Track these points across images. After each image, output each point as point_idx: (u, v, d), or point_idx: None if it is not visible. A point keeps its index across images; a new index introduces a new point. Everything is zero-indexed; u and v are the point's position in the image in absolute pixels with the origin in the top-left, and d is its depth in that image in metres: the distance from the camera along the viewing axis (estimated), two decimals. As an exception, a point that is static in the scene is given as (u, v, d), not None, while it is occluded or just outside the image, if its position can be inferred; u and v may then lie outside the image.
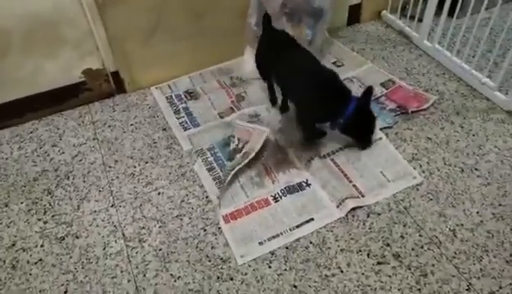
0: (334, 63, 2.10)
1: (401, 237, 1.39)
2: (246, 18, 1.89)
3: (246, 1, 1.86)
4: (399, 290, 1.26)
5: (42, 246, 1.44)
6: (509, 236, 1.37)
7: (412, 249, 1.36)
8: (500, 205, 1.45)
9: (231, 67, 2.11)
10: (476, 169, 1.57)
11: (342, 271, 1.31)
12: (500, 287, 1.25)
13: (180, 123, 1.84)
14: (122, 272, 1.35)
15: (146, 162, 1.70)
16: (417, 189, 1.52)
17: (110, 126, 1.87)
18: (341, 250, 1.37)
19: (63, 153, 1.76)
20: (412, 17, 2.18)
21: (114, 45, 1.84)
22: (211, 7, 1.90)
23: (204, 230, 1.46)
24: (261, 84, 2.00)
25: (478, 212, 1.44)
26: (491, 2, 1.73)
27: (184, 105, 1.93)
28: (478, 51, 1.82)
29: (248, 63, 2.00)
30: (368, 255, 1.35)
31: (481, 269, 1.29)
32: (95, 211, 1.54)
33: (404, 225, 1.42)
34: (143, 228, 1.48)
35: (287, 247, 1.39)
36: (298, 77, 1.59)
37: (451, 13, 1.93)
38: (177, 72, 2.07)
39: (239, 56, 2.07)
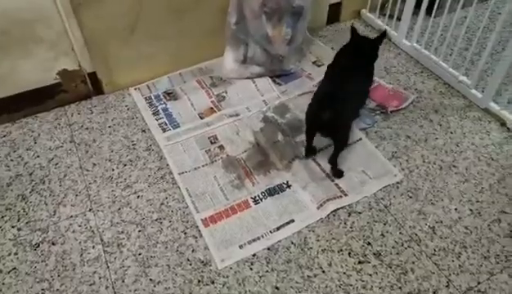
0: (314, 62, 2.10)
1: (382, 235, 1.40)
2: (226, 17, 1.86)
3: (226, 0, 1.84)
4: (380, 288, 1.27)
5: (15, 254, 1.39)
6: (486, 232, 1.39)
7: (393, 247, 1.36)
8: (477, 201, 1.48)
9: (211, 67, 2.08)
10: (454, 166, 1.59)
11: (323, 271, 1.31)
12: (479, 283, 1.27)
13: (159, 124, 1.81)
14: (100, 278, 1.32)
15: (125, 165, 1.67)
16: (397, 187, 1.53)
17: (87, 129, 1.83)
18: (322, 250, 1.36)
19: (38, 156, 1.71)
20: (391, 16, 2.20)
21: (90, 45, 1.80)
22: (191, 6, 1.87)
23: (185, 233, 1.44)
24: (241, 84, 1.98)
25: (456, 209, 1.46)
26: (467, 1, 1.75)
27: (163, 106, 1.89)
28: (455, 49, 1.85)
29: (228, 63, 1.99)
30: (349, 254, 1.35)
31: (459, 265, 1.31)
32: (71, 217, 1.50)
33: (384, 224, 1.43)
34: (122, 232, 1.45)
35: (268, 248, 1.38)
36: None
37: (428, 12, 1.95)
38: (156, 72, 2.04)
39: (219, 56, 2.04)
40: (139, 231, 1.45)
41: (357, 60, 1.60)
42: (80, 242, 1.42)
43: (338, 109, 1.39)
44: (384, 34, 1.60)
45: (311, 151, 1.63)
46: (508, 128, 1.72)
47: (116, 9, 1.74)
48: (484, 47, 1.73)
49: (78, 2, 1.66)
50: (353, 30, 1.63)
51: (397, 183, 1.55)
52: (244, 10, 1.81)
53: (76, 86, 1.91)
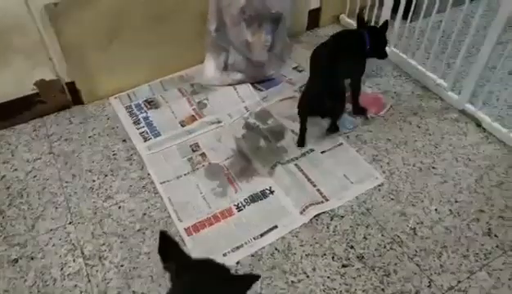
0: (295, 68, 2.11)
1: (365, 238, 1.41)
2: (206, 24, 1.86)
3: (206, 7, 1.84)
4: (364, 291, 1.28)
5: (-7, 270, 1.36)
6: (466, 231, 1.41)
7: (375, 250, 1.38)
8: (456, 201, 1.50)
9: (192, 74, 2.08)
10: (433, 167, 1.62)
11: (307, 276, 1.32)
12: (459, 282, 1.29)
13: (140, 133, 1.79)
14: (81, 293, 1.30)
15: (106, 175, 1.65)
16: (379, 190, 1.55)
17: (66, 140, 1.80)
18: (306, 255, 1.37)
19: (15, 169, 1.68)
20: (369, 21, 2.23)
21: (68, 54, 1.77)
22: (170, 14, 1.87)
23: (168, 243, 1.42)
24: (223, 91, 1.98)
25: (436, 210, 1.48)
26: (442, 6, 1.79)
27: (144, 115, 1.88)
28: (432, 53, 1.88)
29: (209, 70, 1.98)
30: (333, 258, 1.36)
31: (441, 265, 1.33)
32: (51, 230, 1.47)
33: (367, 227, 1.44)
34: (103, 244, 1.43)
35: (252, 255, 1.37)
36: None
37: (405, 17, 1.99)
38: (136, 80, 2.02)
39: (200, 63, 2.04)
40: (121, 242, 1.43)
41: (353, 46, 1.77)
42: (60, 256, 1.39)
43: (334, 99, 1.60)
44: (386, 23, 1.79)
45: (304, 140, 1.71)
46: (484, 129, 1.76)
47: (94, 17, 1.73)
48: (459, 50, 1.77)
49: (54, 11, 1.64)
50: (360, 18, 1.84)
51: (379, 186, 1.57)
52: (224, 17, 1.81)
53: (54, 97, 1.88)
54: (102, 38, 1.80)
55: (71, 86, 1.89)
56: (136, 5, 1.78)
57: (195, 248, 1.39)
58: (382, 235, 1.42)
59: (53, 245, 1.42)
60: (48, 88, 1.84)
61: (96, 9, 1.71)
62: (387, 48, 1.85)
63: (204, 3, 1.83)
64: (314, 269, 1.33)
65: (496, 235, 1.39)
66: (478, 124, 1.77)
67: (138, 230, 1.47)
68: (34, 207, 1.54)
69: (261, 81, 2.01)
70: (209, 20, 1.83)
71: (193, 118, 1.85)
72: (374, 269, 1.33)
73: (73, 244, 1.42)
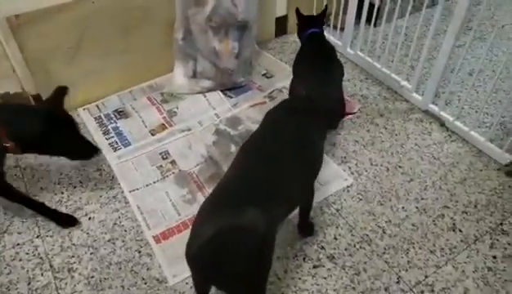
0: (264, 74, 2.14)
1: (335, 238, 1.43)
2: (173, 33, 1.87)
3: (173, 16, 1.85)
4: (335, 290, 1.29)
5: (-44, 289, 1.31)
6: (432, 227, 1.46)
7: (345, 249, 1.40)
8: (422, 199, 1.55)
9: (161, 83, 2.08)
10: (400, 167, 1.67)
11: (279, 278, 1.32)
12: (426, 277, 1.32)
13: (110, 144, 1.78)
14: (49, 306, 1.27)
15: (75, 187, 1.62)
16: (348, 191, 1.58)
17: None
18: (278, 257, 1.38)
19: (-20, 184, 1.63)
20: (335, 27, 2.29)
21: (32, 66, 1.75)
22: (138, 24, 1.87)
23: (139, 252, 1.41)
24: (193, 99, 1.99)
25: (403, 207, 1.52)
26: (403, 11, 1.86)
27: (114, 125, 1.86)
28: (396, 56, 1.95)
29: (178, 78, 1.99)
30: (304, 259, 1.38)
31: (408, 261, 1.36)
32: (18, 244, 1.43)
33: (337, 227, 1.47)
34: (73, 256, 1.40)
35: (224, 261, 1.37)
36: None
37: (370, 22, 2.06)
38: (105, 91, 2.00)
39: (169, 72, 2.05)
40: (91, 254, 1.41)
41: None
42: (28, 271, 1.36)
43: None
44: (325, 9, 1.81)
45: None
46: (447, 128, 1.82)
47: (58, 29, 1.71)
48: (421, 53, 1.84)
49: (16, 23, 1.62)
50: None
51: (348, 187, 1.60)
52: (191, 25, 1.83)
53: (20, 109, 1.84)
54: (67, 50, 1.78)
55: (38, 99, 1.85)
56: (101, 17, 1.77)
57: (163, 256, 1.38)
58: (352, 235, 1.44)
59: (20, 259, 1.39)
60: (14, 101, 1.80)
61: (59, 21, 1.70)
62: (351, 51, 1.91)
63: (171, 12, 1.84)
64: (286, 272, 1.34)
65: (460, 230, 1.44)
66: (442, 124, 1.84)
67: (108, 241, 1.45)
68: (0, 222, 1.50)
69: (231, 88, 2.02)
70: (176, 29, 1.84)
71: (163, 127, 1.85)
72: (344, 269, 1.35)
73: (41, 258, 1.39)
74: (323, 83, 1.55)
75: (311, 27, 1.76)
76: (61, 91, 1.41)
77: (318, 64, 1.64)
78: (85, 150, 1.45)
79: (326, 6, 1.86)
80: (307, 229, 1.44)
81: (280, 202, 1.05)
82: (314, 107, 1.30)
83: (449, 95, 1.86)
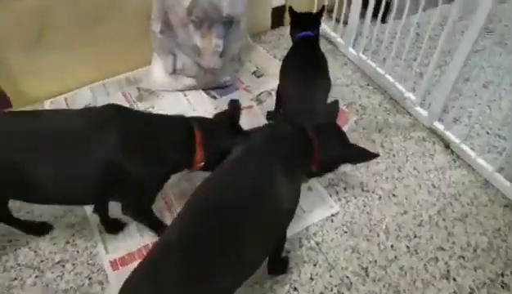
0: (253, 72, 1.92)
1: (311, 279, 1.26)
2: (150, 25, 1.66)
3: (149, 4, 1.63)
4: (303, 344, 1.13)
5: None
6: (422, 273, 1.27)
7: (321, 293, 1.23)
8: (415, 236, 1.36)
9: (139, 76, 1.88)
10: (394, 195, 1.47)
11: (242, 324, 1.16)
12: (410, 335, 1.16)
13: (73, 145, 1.60)
14: (-22, 342, 1.13)
15: (29, 195, 1.46)
16: (332, 221, 1.40)
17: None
18: (243, 298, 1.21)
19: None
20: (338, 20, 2.05)
21: (-13, 55, 1.56)
22: (106, 12, 1.67)
23: (90, 279, 1.26)
24: (171, 97, 1.79)
25: (392, 246, 1.34)
26: (414, 5, 1.60)
27: (81, 123, 1.68)
28: (403, 58, 1.71)
29: (156, 73, 1.79)
30: (273, 302, 1.21)
31: (391, 314, 1.19)
32: (-45, 261, 1.29)
33: (314, 265, 1.29)
34: (15, 279, 1.25)
35: None
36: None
37: (375, 16, 1.81)
38: (76, 82, 1.82)
39: (148, 64, 1.84)
40: (36, 277, 1.26)
41: None
42: (-39, 295, 1.21)
43: None
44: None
45: None
46: (452, 151, 1.61)
47: (13, 16, 1.51)
48: (432, 57, 1.60)
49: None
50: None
51: (333, 215, 1.41)
52: (170, 18, 1.61)
53: (-23, 99, 1.67)
54: (26, 38, 1.59)
55: (-3, 89, 1.67)
56: (60, 4, 1.56)
57: (118, 286, 1.22)
58: (330, 276, 1.27)
59: (-46, 280, 1.24)
60: (-32, 91, 1.63)
61: (14, 8, 1.50)
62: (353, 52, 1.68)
63: (147, 1, 1.62)
64: (250, 316, 1.18)
65: (454, 279, 1.26)
66: (447, 145, 1.63)
67: (58, 263, 1.29)
68: None
69: (215, 87, 1.82)
70: (153, 21, 1.62)
71: (134, 129, 1.66)
72: (317, 316, 1.18)
73: (-22, 279, 1.25)
74: (303, 100, 1.34)
75: (303, 28, 1.52)
76: (236, 105, 1.25)
77: (302, 76, 1.40)
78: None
79: (324, 5, 1.62)
80: (279, 265, 1.26)
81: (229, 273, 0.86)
82: (298, 140, 1.09)
83: (458, 110, 1.64)
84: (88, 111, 1.18)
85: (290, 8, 1.55)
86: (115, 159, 1.04)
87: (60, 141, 1.03)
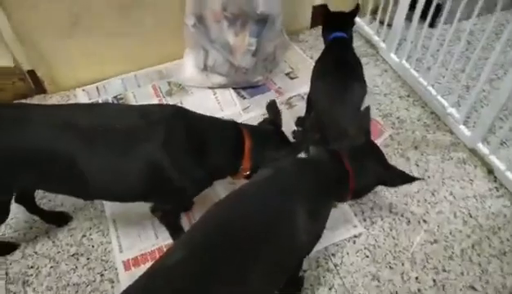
0: (287, 74, 1.84)
1: (324, 303, 1.20)
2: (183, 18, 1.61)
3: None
4: None
5: None
6: (448, 312, 1.18)
7: (333, 321, 1.16)
8: (443, 270, 1.25)
9: (170, 71, 1.85)
10: (424, 221, 1.37)
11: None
12: None
13: (99, 137, 1.60)
14: (-10, 328, 1.15)
15: (53, 183, 1.47)
16: (354, 242, 1.32)
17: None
18: (252, 315, 1.17)
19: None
20: (381, 22, 1.92)
21: (23, 39, 1.58)
22: (143, 2, 1.63)
23: (101, 275, 1.26)
24: (201, 94, 1.76)
25: (417, 278, 1.24)
26: (468, 12, 1.44)
27: (109, 114, 1.68)
28: (449, 69, 1.57)
29: (188, 68, 1.75)
30: (282, 324, 1.16)
31: None
32: (-22, 244, 1.32)
33: (330, 288, 1.22)
34: (32, 267, 1.27)
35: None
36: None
37: (424, 19, 1.67)
38: (108, 72, 1.82)
39: (180, 59, 1.81)
40: (51, 267, 1.27)
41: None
42: (-20, 277, 1.25)
43: None
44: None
45: None
46: (495, 177, 1.47)
47: (50, 1, 1.51)
48: (481, 68, 1.45)
49: (3, -9, 1.43)
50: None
51: (355, 236, 1.33)
52: (204, 11, 1.55)
53: (14, 84, 1.70)
54: (62, 25, 1.59)
55: (32, 74, 1.70)
56: None
57: (129, 287, 1.22)
58: (345, 302, 1.20)
59: (-25, 262, 1.28)
60: (5, 75, 1.66)
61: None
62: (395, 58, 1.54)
63: (182, -7, 1.58)
64: (257, 335, 1.13)
65: (483, 324, 1.15)
66: (490, 170, 1.49)
67: (73, 255, 1.30)
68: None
69: (246, 87, 1.76)
70: (187, 13, 1.58)
71: (161, 125, 1.64)
72: None
73: (-2, 262, 1.28)
74: (334, 107, 1.25)
75: (336, 28, 1.42)
76: (275, 110, 1.23)
77: (333, 80, 1.29)
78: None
79: (358, 4, 1.48)
80: (293, 284, 1.20)
81: None
82: (331, 170, 1.01)
83: (507, 132, 1.49)
84: (146, 109, 1.12)
85: (324, 6, 1.44)
86: (159, 163, 1.01)
87: (111, 137, 1.00)
